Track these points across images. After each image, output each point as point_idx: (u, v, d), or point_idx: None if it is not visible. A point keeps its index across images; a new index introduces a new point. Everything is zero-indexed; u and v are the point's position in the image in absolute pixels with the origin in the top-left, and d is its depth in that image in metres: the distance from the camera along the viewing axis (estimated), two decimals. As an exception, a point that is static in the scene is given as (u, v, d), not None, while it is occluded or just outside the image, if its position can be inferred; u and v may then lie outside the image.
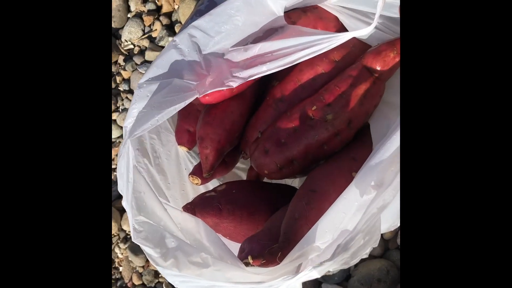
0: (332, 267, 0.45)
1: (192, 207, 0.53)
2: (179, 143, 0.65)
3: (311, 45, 0.48)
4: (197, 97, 0.50)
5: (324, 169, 0.53)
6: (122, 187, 0.49)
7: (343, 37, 0.48)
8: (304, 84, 0.55)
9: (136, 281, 0.85)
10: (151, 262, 0.49)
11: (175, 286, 0.49)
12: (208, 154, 0.59)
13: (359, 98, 0.52)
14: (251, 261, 0.45)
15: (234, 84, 0.49)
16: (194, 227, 0.53)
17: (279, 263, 0.46)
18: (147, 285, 0.84)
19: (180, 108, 0.49)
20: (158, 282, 0.84)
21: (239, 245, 0.52)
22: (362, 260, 0.64)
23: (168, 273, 0.48)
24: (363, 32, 0.48)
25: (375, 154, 0.45)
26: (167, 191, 0.64)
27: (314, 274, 0.45)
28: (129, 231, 0.86)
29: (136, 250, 0.84)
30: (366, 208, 0.44)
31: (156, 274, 0.84)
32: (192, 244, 0.50)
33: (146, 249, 0.49)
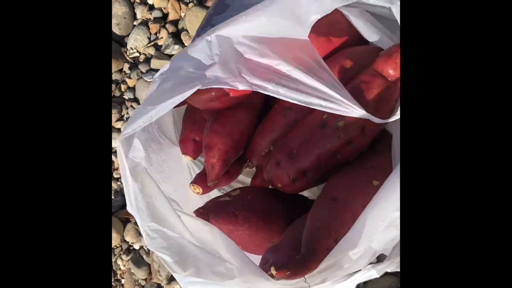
0: (391, 269, 0.42)
1: (206, 212, 0.51)
2: (184, 152, 0.64)
3: (328, 99, 0.46)
4: (199, 91, 0.46)
5: (343, 178, 0.51)
6: (125, 191, 0.47)
7: (358, 113, 0.46)
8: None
9: (138, 294, 0.83)
10: (169, 269, 0.46)
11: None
12: (215, 163, 0.57)
13: (372, 104, 0.50)
14: (274, 272, 0.43)
15: (240, 86, 0.46)
16: (210, 236, 0.50)
17: (304, 275, 0.43)
18: (149, 299, 0.82)
19: (178, 102, 0.45)
20: (161, 296, 0.82)
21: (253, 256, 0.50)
22: (373, 276, 0.61)
23: (188, 281, 0.45)
24: (376, 120, 0.47)
25: None
26: (174, 196, 0.62)
27: (372, 273, 0.42)
28: (132, 243, 0.84)
29: (138, 262, 0.82)
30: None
31: (159, 287, 0.82)
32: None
33: (164, 257, 0.46)
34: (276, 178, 0.53)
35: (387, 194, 0.43)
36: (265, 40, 0.48)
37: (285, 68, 0.46)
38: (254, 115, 0.58)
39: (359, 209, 0.46)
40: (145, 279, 0.83)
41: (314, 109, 0.54)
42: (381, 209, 0.43)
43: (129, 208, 0.47)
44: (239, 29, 0.47)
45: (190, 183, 0.62)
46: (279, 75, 0.46)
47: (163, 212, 0.48)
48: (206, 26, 0.58)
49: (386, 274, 0.61)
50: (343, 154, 0.51)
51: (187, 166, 0.69)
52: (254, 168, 0.63)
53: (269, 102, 0.60)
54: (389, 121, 0.47)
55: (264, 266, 0.47)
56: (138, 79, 0.83)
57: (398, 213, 0.42)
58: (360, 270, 0.43)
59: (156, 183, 0.48)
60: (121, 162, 0.47)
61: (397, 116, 0.46)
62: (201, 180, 0.61)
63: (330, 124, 0.50)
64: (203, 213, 0.51)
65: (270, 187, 0.60)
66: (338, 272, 0.44)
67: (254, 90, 0.46)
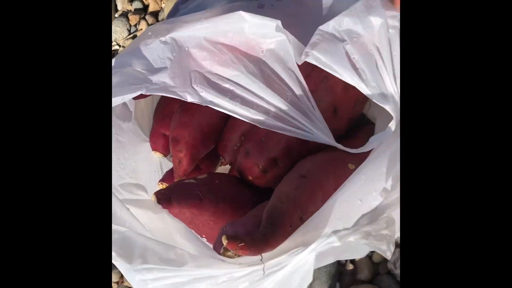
0: (354, 237, 0.37)
1: (168, 194, 0.45)
2: (154, 149, 0.60)
3: (288, 124, 0.42)
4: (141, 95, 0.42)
5: (315, 158, 0.46)
6: None
7: (326, 141, 0.42)
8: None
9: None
10: (116, 265, 0.42)
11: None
12: (182, 158, 0.53)
13: (343, 82, 0.44)
14: (225, 242, 0.37)
15: (189, 98, 0.42)
16: (161, 224, 0.46)
17: (261, 253, 0.38)
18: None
19: (116, 104, 0.41)
20: (131, 300, 0.78)
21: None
22: (349, 285, 0.57)
23: (135, 269, 0.40)
24: (349, 150, 0.44)
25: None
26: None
27: (333, 240, 0.36)
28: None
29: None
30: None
31: (129, 291, 0.78)
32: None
33: (114, 257, 0.41)
34: (246, 170, 0.49)
35: (369, 175, 0.39)
36: (228, 47, 0.43)
37: (244, 80, 0.42)
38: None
39: (331, 190, 0.41)
40: (117, 282, 0.79)
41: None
42: (359, 189, 0.38)
43: None
44: (201, 30, 0.43)
45: (159, 181, 0.58)
46: (238, 89, 0.42)
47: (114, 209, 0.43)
48: (172, 15, 0.54)
49: (364, 282, 0.57)
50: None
51: (159, 165, 0.65)
52: (228, 165, 0.60)
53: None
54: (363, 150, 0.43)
55: (217, 244, 0.42)
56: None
57: (378, 193, 0.37)
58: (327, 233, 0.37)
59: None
60: None
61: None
62: (170, 178, 0.57)
63: None
64: (165, 195, 0.45)
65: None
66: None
67: (205, 105, 0.42)
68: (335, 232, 0.36)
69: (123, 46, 0.80)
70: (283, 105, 0.42)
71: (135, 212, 0.45)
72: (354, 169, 0.40)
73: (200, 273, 0.39)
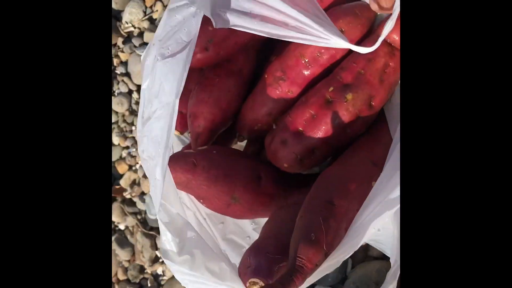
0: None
1: (169, 163, 0.48)
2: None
3: (313, 33, 0.42)
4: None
5: (341, 174, 0.46)
6: (155, 153, 0.43)
7: (342, 45, 0.43)
8: (308, 60, 0.51)
9: (121, 276, 0.80)
10: (162, 255, 0.44)
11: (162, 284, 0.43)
12: (200, 133, 0.55)
13: (378, 73, 0.47)
14: (248, 285, 0.40)
15: (215, 23, 0.42)
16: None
17: None
18: (132, 281, 0.79)
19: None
20: (143, 278, 0.79)
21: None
22: (361, 261, 0.58)
23: (177, 270, 0.43)
24: (363, 50, 0.44)
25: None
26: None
27: None
28: (118, 223, 0.81)
29: (122, 242, 0.80)
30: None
31: (142, 269, 0.79)
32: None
33: (166, 236, 0.43)
34: (282, 159, 0.50)
35: (380, 198, 0.41)
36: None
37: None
38: (242, 85, 0.56)
39: (354, 215, 0.43)
40: (128, 261, 0.80)
41: (312, 79, 0.52)
42: (375, 217, 0.40)
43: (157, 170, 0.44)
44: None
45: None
46: (258, 6, 0.44)
47: (172, 196, 0.45)
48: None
49: (376, 258, 0.58)
50: (352, 128, 0.49)
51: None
52: (244, 142, 0.61)
53: (258, 72, 0.57)
54: (375, 46, 0.43)
55: (246, 270, 0.43)
56: (130, 53, 0.81)
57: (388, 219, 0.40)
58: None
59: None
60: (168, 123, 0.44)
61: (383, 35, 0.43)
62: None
63: (337, 97, 0.48)
64: (176, 160, 0.49)
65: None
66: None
67: (231, 27, 0.43)
68: None
69: (139, 28, 0.81)
70: (302, 18, 0.43)
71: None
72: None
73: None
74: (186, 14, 0.44)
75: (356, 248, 0.42)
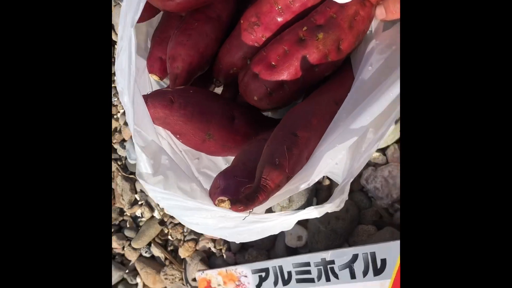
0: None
1: (146, 97, 0.52)
2: (150, 71, 0.64)
3: None
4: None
5: (306, 110, 0.52)
6: (124, 83, 0.47)
7: None
8: (281, 6, 0.54)
9: (101, 219, 0.84)
10: (137, 176, 0.48)
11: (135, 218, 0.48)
12: (178, 74, 0.58)
13: (349, 19, 0.52)
14: (228, 207, 0.44)
15: None
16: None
17: (252, 208, 0.45)
18: (112, 223, 0.83)
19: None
20: (123, 220, 0.83)
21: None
22: (324, 200, 0.64)
23: (151, 189, 0.47)
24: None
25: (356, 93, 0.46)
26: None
27: (314, 213, 0.46)
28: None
29: (103, 187, 0.84)
30: (357, 154, 0.47)
31: (121, 212, 0.83)
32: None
33: (141, 158, 0.47)
34: (253, 91, 0.55)
35: (338, 133, 0.47)
36: None
37: None
38: (220, 30, 0.59)
39: (315, 146, 0.49)
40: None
41: (284, 24, 0.56)
42: (332, 147, 0.46)
43: (124, 98, 0.47)
44: None
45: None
46: None
47: (147, 124, 0.50)
48: None
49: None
50: (320, 68, 0.53)
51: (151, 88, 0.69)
52: (222, 87, 0.65)
53: (237, 20, 0.61)
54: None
55: (215, 190, 0.48)
56: (114, 6, 0.83)
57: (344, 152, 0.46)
58: (304, 209, 0.46)
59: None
60: (128, 53, 0.46)
61: None
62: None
63: (309, 36, 0.52)
64: (144, 97, 0.52)
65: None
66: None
67: None
68: (316, 207, 0.45)
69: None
70: None
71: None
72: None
73: (204, 207, 0.46)
74: None
75: (315, 177, 0.47)
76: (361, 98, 0.47)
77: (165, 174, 0.47)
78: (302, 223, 0.65)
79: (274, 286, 0.60)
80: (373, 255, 0.53)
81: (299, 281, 0.58)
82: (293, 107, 0.53)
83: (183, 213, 0.46)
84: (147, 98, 0.53)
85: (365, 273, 0.53)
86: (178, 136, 0.56)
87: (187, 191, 0.47)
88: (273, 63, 0.53)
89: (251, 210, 0.45)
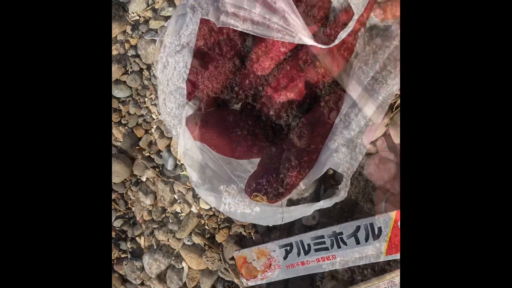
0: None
1: (186, 123, 0.70)
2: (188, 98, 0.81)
3: (282, 32, 0.63)
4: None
5: (309, 129, 0.68)
6: (174, 122, 0.71)
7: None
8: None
9: (146, 217, 1.00)
10: (192, 185, 0.67)
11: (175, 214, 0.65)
12: (207, 100, 0.75)
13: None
14: (261, 200, 0.62)
15: (218, 23, 0.64)
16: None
17: (279, 200, 0.63)
18: (156, 220, 0.99)
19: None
20: (165, 216, 0.99)
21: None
22: (329, 187, 0.80)
23: (203, 193, 0.66)
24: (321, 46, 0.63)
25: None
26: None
27: (326, 204, 0.65)
28: (139, 176, 1.01)
29: (146, 191, 0.99)
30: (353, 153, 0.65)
31: (163, 210, 0.99)
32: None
33: (192, 174, 0.66)
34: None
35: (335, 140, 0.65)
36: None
37: (248, 4, 0.64)
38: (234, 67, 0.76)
39: (320, 150, 0.66)
40: (152, 205, 1.00)
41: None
42: (332, 152, 0.64)
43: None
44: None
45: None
46: (245, 12, 0.64)
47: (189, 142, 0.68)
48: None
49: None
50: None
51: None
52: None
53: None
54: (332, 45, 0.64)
55: (249, 189, 0.65)
56: (139, 38, 0.98)
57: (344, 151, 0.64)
58: (313, 194, 0.64)
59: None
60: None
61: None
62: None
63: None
64: (191, 120, 0.70)
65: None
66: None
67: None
68: (326, 200, 0.64)
69: (143, 17, 0.98)
70: (279, 21, 0.63)
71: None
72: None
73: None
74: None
75: (321, 173, 0.64)
76: (351, 111, 0.63)
77: (212, 182, 0.64)
78: (314, 205, 0.81)
79: (298, 256, 0.77)
80: (372, 225, 0.69)
81: (317, 250, 0.75)
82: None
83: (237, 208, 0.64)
84: (187, 123, 0.69)
85: (366, 239, 0.70)
86: (213, 148, 0.72)
87: (229, 192, 0.64)
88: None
89: (281, 201, 0.63)
